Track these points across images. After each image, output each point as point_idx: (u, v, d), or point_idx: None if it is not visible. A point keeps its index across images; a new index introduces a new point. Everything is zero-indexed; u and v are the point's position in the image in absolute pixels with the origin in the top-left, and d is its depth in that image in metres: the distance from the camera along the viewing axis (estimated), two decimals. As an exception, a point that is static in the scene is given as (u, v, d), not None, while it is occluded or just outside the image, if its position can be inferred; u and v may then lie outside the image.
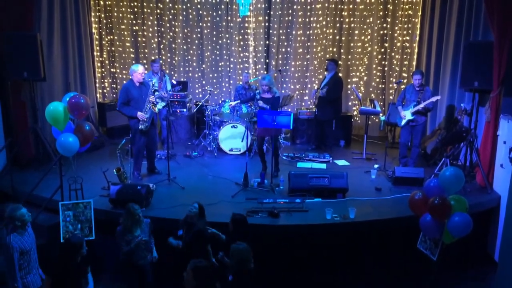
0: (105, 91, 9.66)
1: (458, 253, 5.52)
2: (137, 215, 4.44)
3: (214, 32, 9.49)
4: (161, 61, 8.54)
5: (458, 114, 7.07)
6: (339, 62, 9.33)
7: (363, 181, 6.64)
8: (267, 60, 9.51)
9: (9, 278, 4.09)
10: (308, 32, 9.32)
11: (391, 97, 9.08)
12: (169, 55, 9.65)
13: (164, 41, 9.59)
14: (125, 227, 4.46)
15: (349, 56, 9.41)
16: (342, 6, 9.18)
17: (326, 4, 9.18)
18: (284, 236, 5.32)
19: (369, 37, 9.22)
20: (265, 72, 9.34)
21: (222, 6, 9.33)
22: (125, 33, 9.47)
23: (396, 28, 9.08)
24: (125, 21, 9.41)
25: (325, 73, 8.13)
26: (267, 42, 9.42)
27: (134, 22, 9.46)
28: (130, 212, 4.43)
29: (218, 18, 9.41)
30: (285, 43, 9.45)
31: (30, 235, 4.20)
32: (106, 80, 9.64)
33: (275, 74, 9.31)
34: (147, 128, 6.35)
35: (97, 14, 9.25)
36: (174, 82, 8.32)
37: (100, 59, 9.45)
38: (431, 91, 7.00)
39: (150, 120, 6.39)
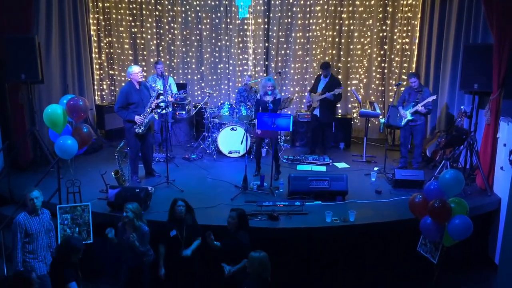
0: (103, 93, 9.63)
1: (458, 256, 5.51)
2: (126, 217, 4.36)
3: (213, 34, 9.47)
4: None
5: (458, 116, 7.06)
6: (339, 65, 9.37)
7: (363, 183, 6.61)
8: (267, 62, 9.49)
9: (13, 254, 4.21)
10: (307, 35, 9.30)
11: (390, 100, 9.06)
12: (168, 57, 9.62)
13: (163, 43, 9.57)
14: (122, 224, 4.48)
15: (349, 59, 9.39)
16: (342, 9, 9.16)
17: (326, 7, 9.16)
18: (283, 239, 5.28)
19: (368, 39, 9.21)
20: (265, 75, 9.31)
21: (221, 8, 9.31)
22: (124, 35, 9.44)
23: (396, 30, 9.06)
24: (123, 23, 9.39)
25: (321, 77, 8.08)
26: (267, 44, 9.40)
27: (133, 24, 9.44)
28: (123, 210, 4.42)
29: (217, 20, 9.39)
30: (285, 45, 9.43)
31: (42, 221, 4.35)
32: (104, 82, 9.62)
33: (275, 77, 9.29)
34: (143, 132, 6.30)
35: (96, 16, 9.23)
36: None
37: (99, 61, 9.43)
38: (429, 91, 7.00)
39: (147, 125, 6.34)
